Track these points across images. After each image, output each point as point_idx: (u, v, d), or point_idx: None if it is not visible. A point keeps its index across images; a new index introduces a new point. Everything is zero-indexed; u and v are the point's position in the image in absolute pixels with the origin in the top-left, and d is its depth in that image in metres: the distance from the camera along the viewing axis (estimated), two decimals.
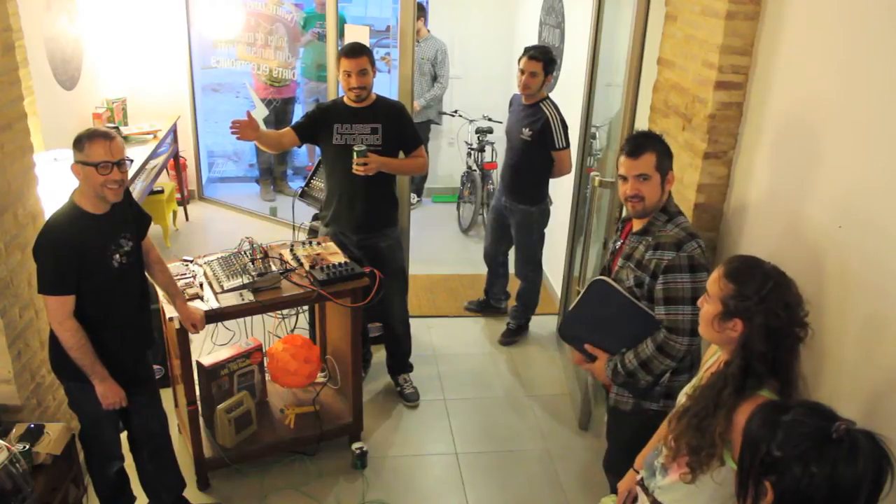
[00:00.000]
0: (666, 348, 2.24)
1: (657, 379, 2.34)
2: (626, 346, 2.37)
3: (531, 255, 4.27)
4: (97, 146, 2.34)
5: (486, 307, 4.72)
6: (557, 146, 3.93)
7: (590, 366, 2.50)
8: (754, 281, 1.71)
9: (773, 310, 1.68)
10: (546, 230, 4.27)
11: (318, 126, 3.47)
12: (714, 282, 1.79)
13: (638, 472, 2.13)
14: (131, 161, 2.49)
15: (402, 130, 3.50)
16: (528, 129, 3.94)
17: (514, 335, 4.44)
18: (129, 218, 2.55)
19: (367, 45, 4.64)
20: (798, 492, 1.26)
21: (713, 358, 1.96)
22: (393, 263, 3.63)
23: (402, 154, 3.56)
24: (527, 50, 3.90)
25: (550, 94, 4.36)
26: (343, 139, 3.41)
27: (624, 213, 2.60)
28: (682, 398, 1.92)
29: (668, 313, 2.23)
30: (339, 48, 3.60)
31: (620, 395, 2.47)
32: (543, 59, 3.85)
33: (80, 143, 2.35)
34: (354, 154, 3.29)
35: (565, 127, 3.93)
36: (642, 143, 2.29)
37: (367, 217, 3.52)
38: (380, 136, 3.42)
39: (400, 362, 3.90)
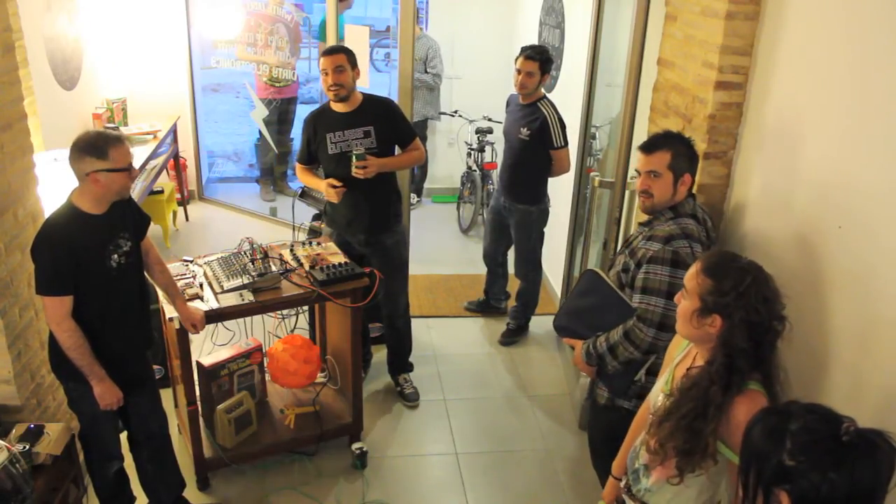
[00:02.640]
0: (631, 335, 2.26)
1: (628, 371, 2.35)
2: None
3: (530, 254, 4.27)
4: (122, 150, 2.35)
5: (485, 307, 4.72)
6: (556, 145, 3.93)
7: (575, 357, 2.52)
8: (731, 276, 1.70)
9: (752, 305, 1.67)
10: (546, 230, 4.27)
11: (313, 144, 3.47)
12: (692, 277, 1.77)
13: (619, 479, 2.13)
14: None
15: (395, 127, 3.49)
16: (526, 129, 3.94)
17: (514, 335, 4.43)
18: (128, 218, 2.55)
19: (368, 45, 4.67)
20: (818, 498, 1.26)
21: (681, 354, 1.94)
22: (398, 259, 3.67)
23: (398, 150, 3.57)
24: (523, 49, 3.90)
25: (552, 94, 4.36)
26: (338, 147, 3.40)
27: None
28: (658, 399, 1.89)
29: (640, 301, 2.25)
30: None
31: (601, 389, 2.51)
32: (540, 59, 3.85)
33: (100, 149, 2.30)
34: (353, 158, 3.29)
35: (563, 126, 3.93)
36: (658, 141, 2.31)
37: (374, 217, 3.52)
38: (374, 138, 3.40)
39: (400, 360, 3.91)
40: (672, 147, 2.28)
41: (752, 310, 1.67)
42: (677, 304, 1.84)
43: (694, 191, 2.64)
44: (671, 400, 1.79)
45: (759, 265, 1.74)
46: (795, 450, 1.28)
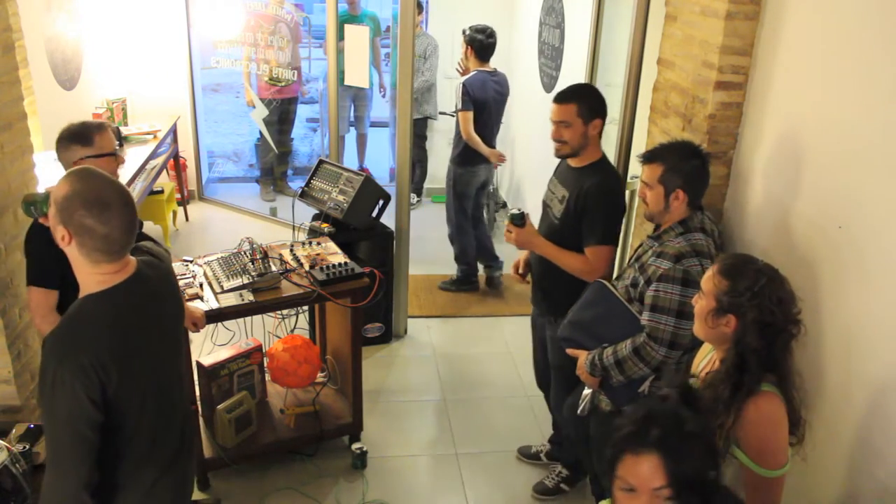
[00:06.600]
0: (642, 352, 2.25)
1: (632, 384, 2.34)
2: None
3: (449, 211, 4.81)
4: (106, 136, 2.39)
5: (467, 281, 4.96)
6: (455, 107, 4.49)
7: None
8: (747, 277, 1.74)
9: (766, 305, 1.70)
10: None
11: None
12: (708, 279, 1.81)
13: None
14: None
15: (585, 213, 2.65)
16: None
17: (457, 284, 4.94)
18: None
19: (367, 46, 4.66)
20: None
21: (705, 359, 1.96)
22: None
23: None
24: None
25: (552, 94, 4.37)
26: (546, 195, 2.88)
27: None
28: None
29: (650, 319, 2.24)
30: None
31: (603, 395, 2.49)
32: (465, 38, 4.53)
33: (85, 136, 2.35)
34: (507, 217, 2.73)
35: (469, 93, 4.39)
36: (654, 152, 2.32)
37: (556, 295, 2.83)
38: (563, 207, 2.71)
39: None
40: (665, 161, 2.27)
41: (765, 310, 1.70)
42: (693, 305, 1.87)
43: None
44: None
45: (774, 268, 1.77)
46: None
